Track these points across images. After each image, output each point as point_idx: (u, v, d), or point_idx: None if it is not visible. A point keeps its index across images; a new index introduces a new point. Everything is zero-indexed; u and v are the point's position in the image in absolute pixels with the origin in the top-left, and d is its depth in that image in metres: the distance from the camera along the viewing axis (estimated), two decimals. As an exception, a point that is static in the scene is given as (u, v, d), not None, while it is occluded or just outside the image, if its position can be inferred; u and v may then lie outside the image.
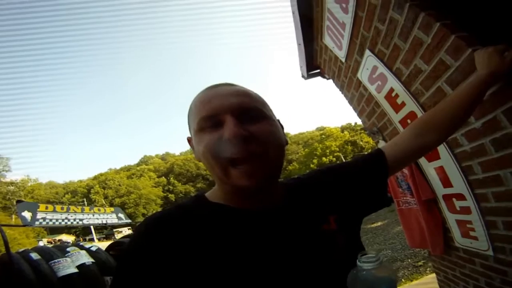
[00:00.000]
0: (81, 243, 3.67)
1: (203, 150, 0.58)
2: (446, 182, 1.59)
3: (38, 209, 5.10)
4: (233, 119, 0.56)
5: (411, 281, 3.69)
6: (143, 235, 0.58)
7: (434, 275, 2.79)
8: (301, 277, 0.57)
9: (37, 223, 4.98)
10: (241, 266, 0.55)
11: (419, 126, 0.82)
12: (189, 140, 0.68)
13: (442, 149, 1.48)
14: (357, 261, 0.51)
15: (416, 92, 1.46)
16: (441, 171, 1.59)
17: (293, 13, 2.27)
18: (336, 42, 2.09)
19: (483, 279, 1.64)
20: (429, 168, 1.69)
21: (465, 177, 1.42)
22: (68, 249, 3.00)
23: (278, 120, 0.70)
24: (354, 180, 0.75)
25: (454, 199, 1.60)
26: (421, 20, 1.22)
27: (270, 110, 0.66)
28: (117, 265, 0.58)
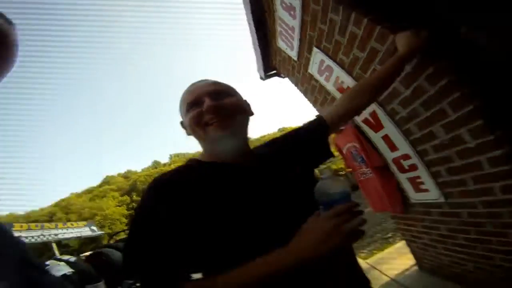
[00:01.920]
0: (58, 257, 3.58)
1: (189, 122, 0.82)
2: (393, 147, 1.91)
3: (13, 228, 4.84)
4: (209, 98, 0.80)
5: (383, 250, 4.01)
6: (154, 188, 0.75)
7: (403, 242, 3.03)
8: (281, 205, 0.75)
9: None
10: (237, 204, 0.72)
11: (353, 91, 1.11)
12: (181, 123, 0.91)
13: (384, 119, 1.80)
14: (320, 175, 0.69)
15: (357, 76, 1.77)
16: (387, 138, 1.91)
17: (248, 24, 2.54)
18: (288, 44, 2.38)
19: (443, 226, 1.94)
20: (377, 138, 2.01)
21: (407, 138, 1.73)
22: (47, 262, 2.95)
23: (246, 100, 0.94)
24: (305, 140, 1.00)
25: (401, 160, 1.91)
26: (353, 18, 1.52)
27: (237, 93, 0.91)
28: (134, 214, 0.76)
